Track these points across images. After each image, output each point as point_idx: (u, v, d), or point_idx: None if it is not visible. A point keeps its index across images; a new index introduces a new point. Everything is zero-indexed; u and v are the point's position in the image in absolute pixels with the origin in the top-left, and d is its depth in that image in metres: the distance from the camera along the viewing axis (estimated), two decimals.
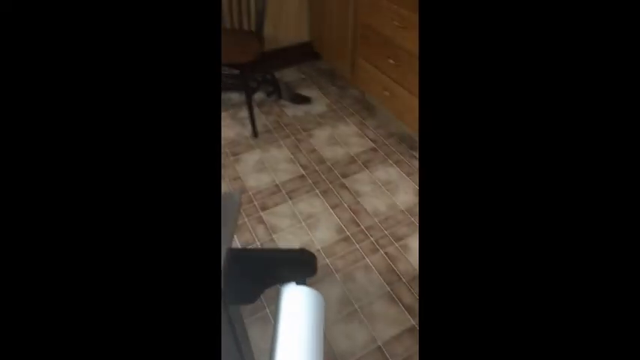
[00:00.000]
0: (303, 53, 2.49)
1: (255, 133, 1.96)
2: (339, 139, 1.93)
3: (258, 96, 2.22)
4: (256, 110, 2.12)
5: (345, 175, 1.73)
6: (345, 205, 1.60)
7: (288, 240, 1.48)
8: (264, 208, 1.60)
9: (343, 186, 1.68)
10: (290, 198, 1.63)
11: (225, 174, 1.76)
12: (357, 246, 1.46)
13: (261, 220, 1.55)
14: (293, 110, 2.13)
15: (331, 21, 2.13)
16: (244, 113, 2.09)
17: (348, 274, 1.36)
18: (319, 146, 1.88)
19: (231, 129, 2.00)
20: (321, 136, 1.95)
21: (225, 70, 2.15)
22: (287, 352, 0.50)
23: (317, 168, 1.77)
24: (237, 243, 1.47)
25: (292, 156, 1.83)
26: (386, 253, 1.43)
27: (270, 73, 2.21)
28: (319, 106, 2.15)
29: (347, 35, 1.99)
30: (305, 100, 2.20)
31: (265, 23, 2.19)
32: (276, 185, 1.69)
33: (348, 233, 1.50)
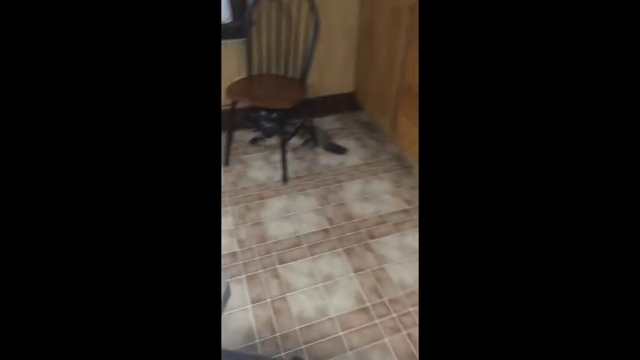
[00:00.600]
0: (345, 103, 2.48)
1: (285, 178, 1.90)
2: (371, 195, 1.83)
3: (295, 141, 2.21)
4: (290, 155, 2.09)
5: (372, 236, 1.61)
6: (369, 270, 1.47)
7: (301, 302, 1.35)
8: (281, 261, 1.50)
9: (369, 248, 1.55)
10: (311, 253, 1.53)
11: (248, 218, 1.69)
12: (377, 321, 1.30)
13: (276, 274, 1.45)
14: (327, 159, 2.07)
15: (377, 75, 2.11)
16: (278, 157, 2.06)
17: (363, 354, 1.20)
18: (349, 200, 1.79)
19: (262, 171, 1.97)
20: (352, 189, 1.86)
21: (263, 114, 2.16)
22: None
23: (343, 223, 1.66)
24: (246, 294, 1.36)
25: (319, 207, 1.74)
26: (408, 335, 1.26)
27: (309, 119, 2.19)
28: (354, 158, 2.09)
29: (391, 90, 1.95)
30: (340, 150, 2.15)
31: (311, 70, 2.22)
32: (298, 237, 1.59)
33: (368, 304, 1.35)
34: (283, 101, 1.73)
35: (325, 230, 1.63)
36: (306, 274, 1.45)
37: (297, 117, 2.18)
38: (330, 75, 2.36)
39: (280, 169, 1.93)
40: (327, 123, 2.40)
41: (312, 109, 2.38)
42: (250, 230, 1.63)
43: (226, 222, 1.64)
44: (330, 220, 1.68)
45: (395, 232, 1.64)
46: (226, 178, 1.90)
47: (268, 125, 2.15)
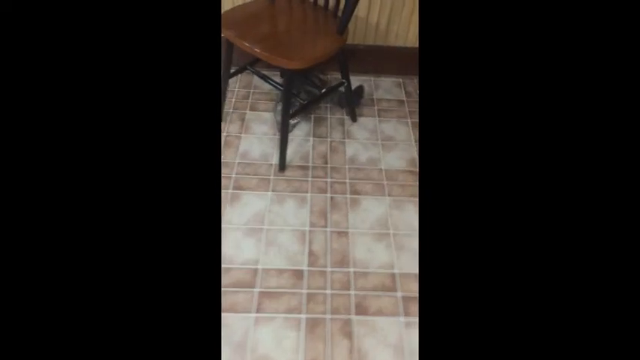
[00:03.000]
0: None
1: (282, 166, 1.34)
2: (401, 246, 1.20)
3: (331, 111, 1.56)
4: (306, 128, 1.48)
5: (360, 311, 1.04)
6: None
7: None
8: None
9: (346, 330, 1.00)
10: (261, 310, 1.02)
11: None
12: None
13: None
14: (359, 149, 1.42)
15: None
16: (299, 124, 1.46)
17: None
18: (357, 244, 1.19)
19: (261, 143, 1.40)
20: (371, 214, 1.24)
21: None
22: None
23: (333, 277, 1.10)
24: None
25: (309, 227, 1.19)
26: None
27: (346, 80, 1.50)
28: (401, 160, 1.41)
29: None
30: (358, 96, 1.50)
31: (371, 6, 1.45)
32: (256, 271, 1.09)
33: None
34: (293, 56, 1.08)
35: (298, 273, 1.09)
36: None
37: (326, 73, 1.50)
38: (402, 17, 1.56)
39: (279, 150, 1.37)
40: (382, 88, 1.68)
41: (362, 63, 1.66)
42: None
43: None
44: (313, 257, 1.12)
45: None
46: None
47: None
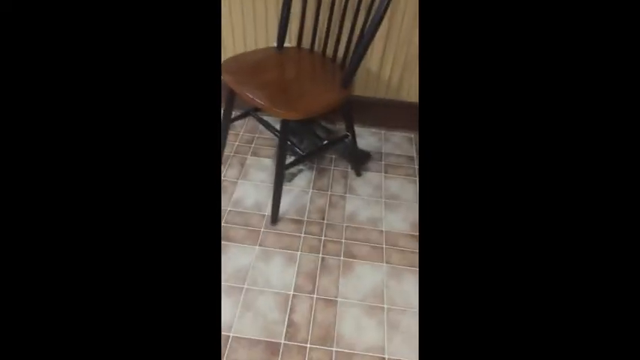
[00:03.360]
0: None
1: (274, 219, 1.25)
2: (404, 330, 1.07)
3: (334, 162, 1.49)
4: (308, 176, 1.40)
5: None
6: None
7: None
8: None
9: None
10: None
11: None
12: None
13: None
14: (360, 207, 1.32)
15: None
16: (306, 179, 1.39)
17: None
18: (345, 325, 1.06)
19: (257, 190, 1.32)
20: (368, 278, 1.12)
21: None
22: None
23: (312, 355, 0.96)
24: None
25: (294, 292, 1.06)
26: None
27: (350, 133, 1.43)
28: (405, 222, 1.30)
29: None
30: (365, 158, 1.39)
31: (385, 62, 1.41)
32: (227, 339, 0.96)
33: None
34: (290, 106, 1.02)
35: (274, 349, 0.96)
36: None
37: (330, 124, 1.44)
38: (414, 74, 1.50)
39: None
40: (392, 143, 1.60)
41: (374, 116, 1.60)
42: None
43: None
44: (292, 327, 0.99)
45: None
46: None
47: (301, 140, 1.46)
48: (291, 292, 1.06)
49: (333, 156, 1.50)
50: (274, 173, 1.37)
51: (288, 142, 1.27)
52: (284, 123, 1.06)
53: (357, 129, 1.62)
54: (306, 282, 1.08)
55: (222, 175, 1.39)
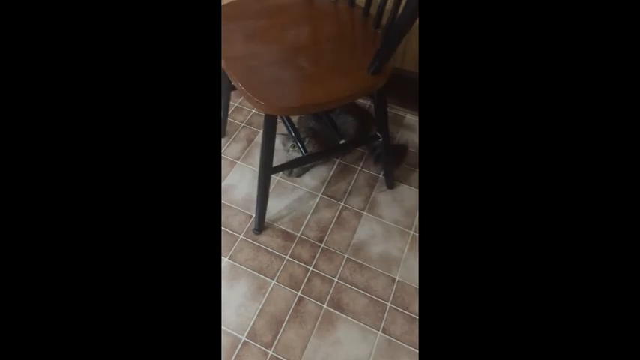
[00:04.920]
0: None
1: (258, 226, 0.96)
2: None
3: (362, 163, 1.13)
4: (328, 180, 1.06)
5: None
6: None
7: None
8: None
9: None
10: None
11: None
12: None
13: None
14: (375, 232, 0.97)
15: None
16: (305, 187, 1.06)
17: None
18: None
19: (252, 183, 1.06)
20: (351, 347, 0.81)
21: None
22: None
23: None
24: None
25: (245, 337, 0.79)
26: None
27: (379, 135, 1.02)
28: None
29: None
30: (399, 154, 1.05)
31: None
32: None
33: None
34: (267, 97, 0.67)
35: None
36: None
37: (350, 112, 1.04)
38: None
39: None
40: None
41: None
42: None
43: None
44: None
45: None
46: None
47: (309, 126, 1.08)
48: (243, 338, 0.80)
49: (366, 152, 1.13)
50: (285, 159, 1.04)
51: (292, 134, 0.94)
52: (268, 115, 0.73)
53: (397, 113, 1.21)
54: (267, 330, 0.82)
55: (222, 150, 1.13)
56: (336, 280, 0.89)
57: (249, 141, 1.15)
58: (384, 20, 0.78)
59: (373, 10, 0.84)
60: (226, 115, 1.12)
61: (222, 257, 0.91)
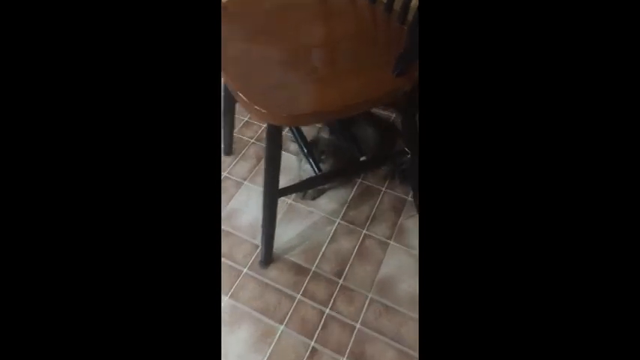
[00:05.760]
0: None
1: (266, 258, 0.83)
2: None
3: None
4: (348, 203, 0.92)
5: None
6: None
7: None
8: None
9: None
10: None
11: None
12: None
13: None
14: (404, 265, 0.81)
15: None
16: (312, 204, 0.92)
17: None
18: None
19: (258, 206, 0.93)
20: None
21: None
22: None
23: None
24: None
25: None
26: None
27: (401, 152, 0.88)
28: None
29: None
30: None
31: None
32: None
33: None
34: (270, 105, 0.54)
35: None
36: None
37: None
38: None
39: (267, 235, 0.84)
40: None
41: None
42: None
43: None
44: None
45: None
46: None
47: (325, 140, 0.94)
48: None
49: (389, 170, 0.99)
50: (299, 177, 0.90)
51: (303, 150, 0.81)
52: (272, 126, 0.61)
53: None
54: None
55: (228, 169, 1.01)
56: (357, 326, 0.73)
57: (259, 159, 1.03)
58: (410, 16, 0.65)
59: (397, 6, 0.71)
60: (232, 131, 1.01)
61: (223, 296, 0.78)
